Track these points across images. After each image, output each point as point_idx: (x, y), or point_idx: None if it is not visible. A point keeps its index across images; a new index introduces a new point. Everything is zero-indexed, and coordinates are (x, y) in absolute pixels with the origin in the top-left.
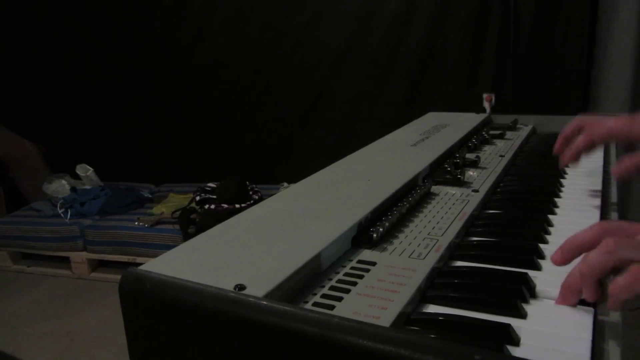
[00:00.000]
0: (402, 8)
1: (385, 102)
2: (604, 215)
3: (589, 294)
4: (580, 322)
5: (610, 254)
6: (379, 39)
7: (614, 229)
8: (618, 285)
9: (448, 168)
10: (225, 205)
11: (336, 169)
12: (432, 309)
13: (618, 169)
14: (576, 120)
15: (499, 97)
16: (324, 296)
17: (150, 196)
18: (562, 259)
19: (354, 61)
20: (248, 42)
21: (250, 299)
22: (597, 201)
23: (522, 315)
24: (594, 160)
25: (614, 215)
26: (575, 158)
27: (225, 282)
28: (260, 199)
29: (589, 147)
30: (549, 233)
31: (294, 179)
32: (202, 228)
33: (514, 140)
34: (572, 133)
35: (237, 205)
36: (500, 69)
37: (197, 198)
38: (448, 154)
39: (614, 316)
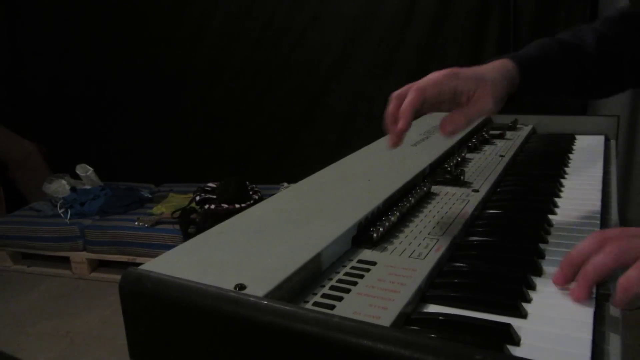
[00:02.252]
0: (402, 8)
1: (385, 102)
2: (604, 215)
3: (584, 294)
4: (581, 322)
5: (616, 256)
6: (379, 39)
7: (613, 236)
8: (629, 278)
9: (448, 168)
10: (225, 205)
11: (336, 169)
12: (432, 308)
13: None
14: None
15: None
16: (324, 296)
17: (150, 196)
18: (564, 279)
19: (354, 61)
20: (248, 42)
21: (251, 299)
22: (597, 201)
23: (523, 315)
24: (594, 160)
25: (614, 215)
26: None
27: (226, 282)
28: (260, 199)
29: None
30: (549, 233)
31: (294, 179)
32: (202, 228)
33: (514, 140)
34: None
35: (237, 205)
36: None
37: (197, 198)
38: (448, 154)
39: (615, 316)
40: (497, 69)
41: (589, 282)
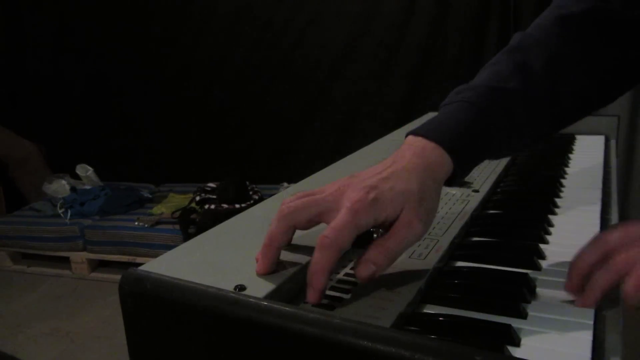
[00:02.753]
0: (402, 8)
1: (386, 102)
2: (604, 215)
3: (590, 302)
4: (581, 322)
5: (621, 273)
6: (379, 39)
7: (617, 245)
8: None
9: None
10: (225, 205)
11: (336, 169)
12: (432, 309)
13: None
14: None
15: None
16: (324, 296)
17: (150, 196)
18: (575, 287)
19: (354, 61)
20: (248, 42)
21: (251, 300)
22: (598, 201)
23: (523, 315)
24: (594, 160)
25: (615, 215)
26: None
27: (226, 283)
28: (260, 199)
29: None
30: (549, 233)
31: (294, 179)
32: (202, 228)
33: None
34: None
35: (237, 205)
36: None
37: (197, 198)
38: None
39: (615, 316)
40: (416, 169)
41: (596, 295)
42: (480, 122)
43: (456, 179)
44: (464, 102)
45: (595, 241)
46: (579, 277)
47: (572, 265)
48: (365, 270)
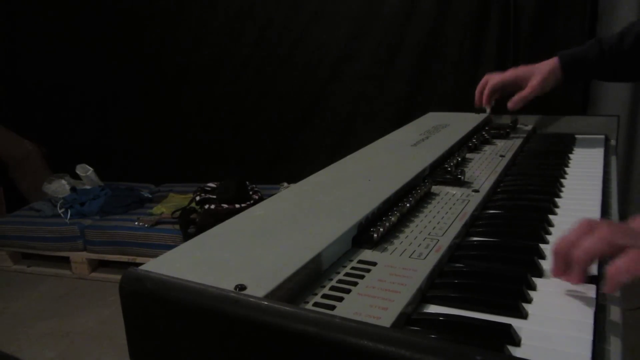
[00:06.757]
0: (402, 8)
1: (385, 102)
2: (604, 215)
3: (577, 277)
4: (581, 322)
5: (605, 240)
6: (379, 39)
7: (601, 224)
8: (617, 267)
9: (448, 168)
10: (225, 205)
11: (336, 169)
12: (432, 309)
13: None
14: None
15: (499, 97)
16: (324, 296)
17: (150, 196)
18: (559, 269)
19: (354, 61)
20: (248, 42)
21: (251, 299)
22: (598, 201)
23: (523, 315)
24: (594, 160)
25: (614, 215)
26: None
27: (226, 282)
28: (260, 199)
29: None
30: (549, 233)
31: (294, 179)
32: (202, 228)
33: (514, 140)
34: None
35: (237, 205)
36: (500, 69)
37: (197, 198)
38: (448, 154)
39: (615, 316)
40: (547, 64)
41: (581, 265)
42: (584, 57)
43: (565, 83)
44: (588, 42)
45: (580, 223)
46: (562, 258)
47: (554, 249)
48: (512, 103)
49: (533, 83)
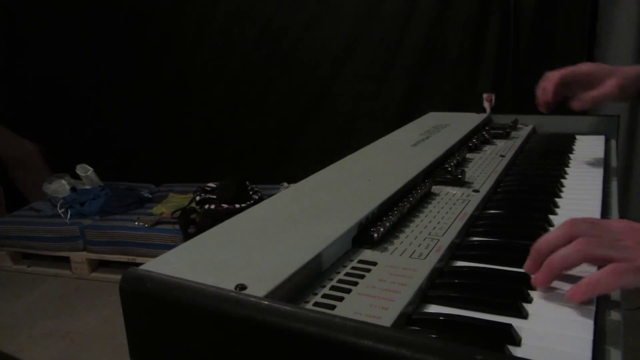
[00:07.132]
0: (402, 8)
1: (385, 102)
2: (604, 215)
3: (542, 280)
4: (582, 322)
5: (581, 253)
6: (379, 39)
7: (584, 229)
8: (600, 281)
9: (448, 168)
10: (225, 205)
11: (336, 169)
12: (433, 309)
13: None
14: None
15: (499, 97)
16: (324, 296)
17: (150, 196)
18: (533, 267)
19: (354, 61)
20: (248, 42)
21: (252, 299)
22: (598, 201)
23: (524, 315)
24: (594, 160)
25: (614, 215)
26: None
27: (226, 282)
28: (260, 199)
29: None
30: None
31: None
32: (202, 228)
33: (514, 140)
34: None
35: (237, 205)
36: (500, 69)
37: (197, 198)
38: (448, 154)
39: (615, 316)
40: (634, 68)
41: (552, 270)
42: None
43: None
44: None
45: (562, 225)
46: (538, 257)
47: (534, 246)
48: (578, 103)
49: (611, 83)
